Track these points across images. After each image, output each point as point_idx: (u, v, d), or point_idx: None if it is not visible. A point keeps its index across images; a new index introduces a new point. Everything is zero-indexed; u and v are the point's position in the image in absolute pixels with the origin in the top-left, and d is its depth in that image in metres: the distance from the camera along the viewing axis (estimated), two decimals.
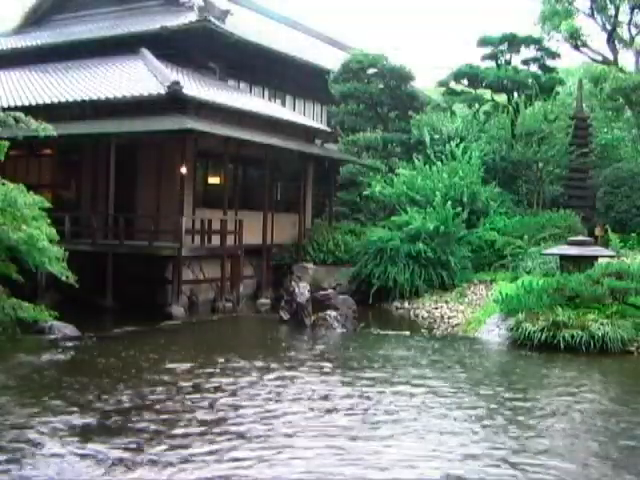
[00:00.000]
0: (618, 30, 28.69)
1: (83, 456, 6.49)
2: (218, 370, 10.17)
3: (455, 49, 63.12)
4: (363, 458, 6.62)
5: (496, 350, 12.62)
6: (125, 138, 17.26)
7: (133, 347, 11.86)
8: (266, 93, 26.00)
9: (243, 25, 23.76)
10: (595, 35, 30.01)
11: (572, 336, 11.79)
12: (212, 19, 21.19)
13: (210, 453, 6.63)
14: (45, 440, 6.87)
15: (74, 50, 22.37)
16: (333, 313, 14.23)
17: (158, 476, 6.10)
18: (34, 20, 27.18)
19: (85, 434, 7.13)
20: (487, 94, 25.51)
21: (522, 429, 7.64)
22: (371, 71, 25.24)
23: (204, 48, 22.05)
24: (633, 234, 19.74)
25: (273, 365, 10.57)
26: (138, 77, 19.02)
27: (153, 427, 7.36)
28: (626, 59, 30.24)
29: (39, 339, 12.21)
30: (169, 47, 20.93)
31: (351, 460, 6.56)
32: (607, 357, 11.54)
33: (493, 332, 13.37)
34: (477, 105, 25.20)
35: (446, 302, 16.99)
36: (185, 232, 16.61)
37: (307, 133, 22.87)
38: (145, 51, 20.51)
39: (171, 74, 18.63)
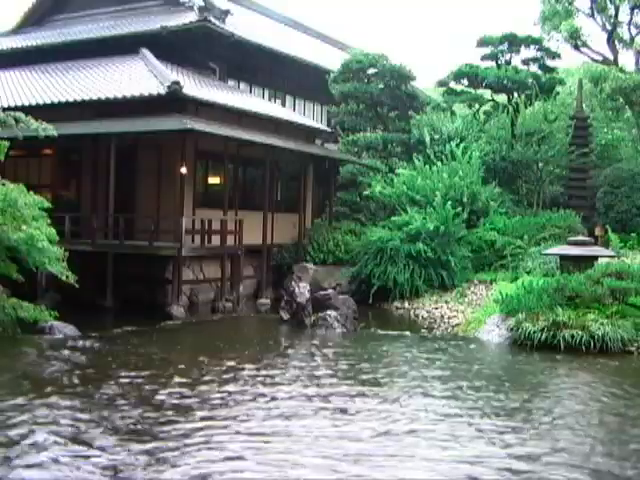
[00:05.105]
0: (618, 30, 28.63)
1: None
2: (217, 369, 10.17)
3: (455, 49, 63.22)
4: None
5: (496, 350, 12.60)
6: (125, 138, 17.27)
7: (133, 346, 11.86)
8: (266, 93, 25.99)
9: (243, 25, 23.76)
10: (595, 35, 30.14)
11: (572, 336, 11.79)
12: (212, 19, 21.21)
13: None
14: None
15: (74, 50, 22.37)
16: (333, 313, 14.22)
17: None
18: (34, 20, 27.18)
19: None
20: (487, 94, 25.50)
21: (522, 429, 7.64)
22: (371, 71, 25.20)
23: (204, 48, 22.04)
24: (633, 234, 19.73)
25: (274, 365, 10.56)
26: (138, 77, 19.01)
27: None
28: (626, 59, 30.38)
29: (40, 339, 12.20)
30: (169, 47, 20.92)
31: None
32: (607, 357, 11.52)
33: (493, 332, 13.37)
34: (477, 105, 25.22)
35: (446, 302, 16.99)
36: (185, 232, 16.62)
37: (307, 133, 22.87)
38: (145, 51, 20.50)
39: (171, 74, 18.62)
